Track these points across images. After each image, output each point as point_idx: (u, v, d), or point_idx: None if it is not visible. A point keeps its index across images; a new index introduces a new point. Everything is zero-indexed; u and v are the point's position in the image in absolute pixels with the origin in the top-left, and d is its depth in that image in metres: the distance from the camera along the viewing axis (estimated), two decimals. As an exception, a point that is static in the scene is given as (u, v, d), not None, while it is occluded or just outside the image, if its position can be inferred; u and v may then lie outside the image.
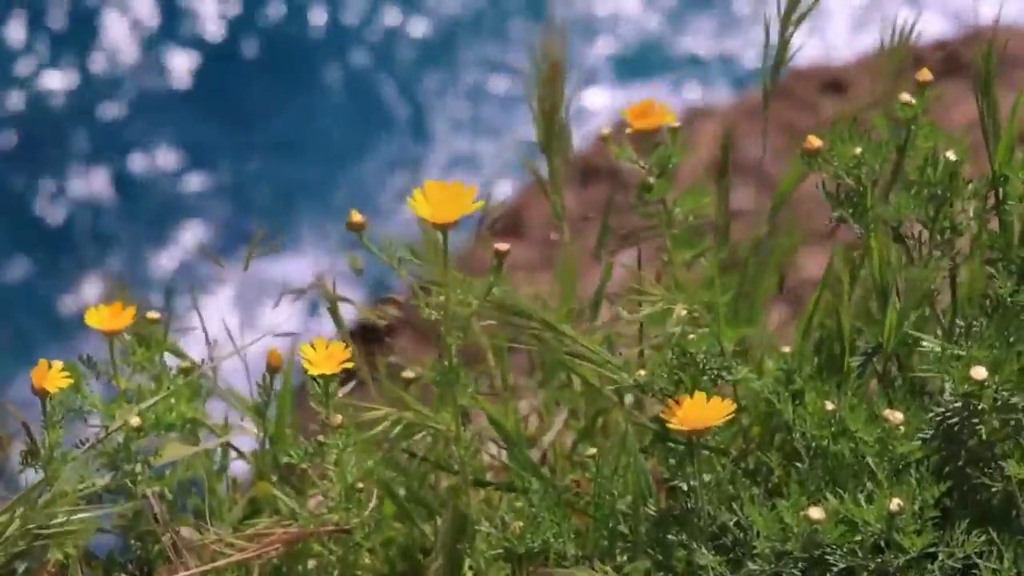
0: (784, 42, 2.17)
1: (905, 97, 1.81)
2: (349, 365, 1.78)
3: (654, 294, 1.83)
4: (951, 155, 1.77)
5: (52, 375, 1.80)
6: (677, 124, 1.94)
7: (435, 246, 1.69)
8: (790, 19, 2.15)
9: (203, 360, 2.07)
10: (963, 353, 1.67)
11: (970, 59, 5.53)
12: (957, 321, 1.81)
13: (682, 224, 1.98)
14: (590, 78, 7.58)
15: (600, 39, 7.95)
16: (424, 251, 1.74)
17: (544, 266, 4.71)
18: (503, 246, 1.74)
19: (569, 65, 2.25)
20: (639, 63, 7.85)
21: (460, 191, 1.69)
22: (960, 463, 1.72)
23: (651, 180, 1.92)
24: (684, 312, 1.79)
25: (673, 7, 8.04)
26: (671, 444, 1.78)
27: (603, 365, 1.82)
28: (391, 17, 8.15)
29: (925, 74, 1.83)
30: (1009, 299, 1.74)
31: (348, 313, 2.22)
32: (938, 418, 1.69)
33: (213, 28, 8.10)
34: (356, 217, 1.77)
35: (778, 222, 2.29)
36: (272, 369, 1.99)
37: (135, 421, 1.88)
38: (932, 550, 1.64)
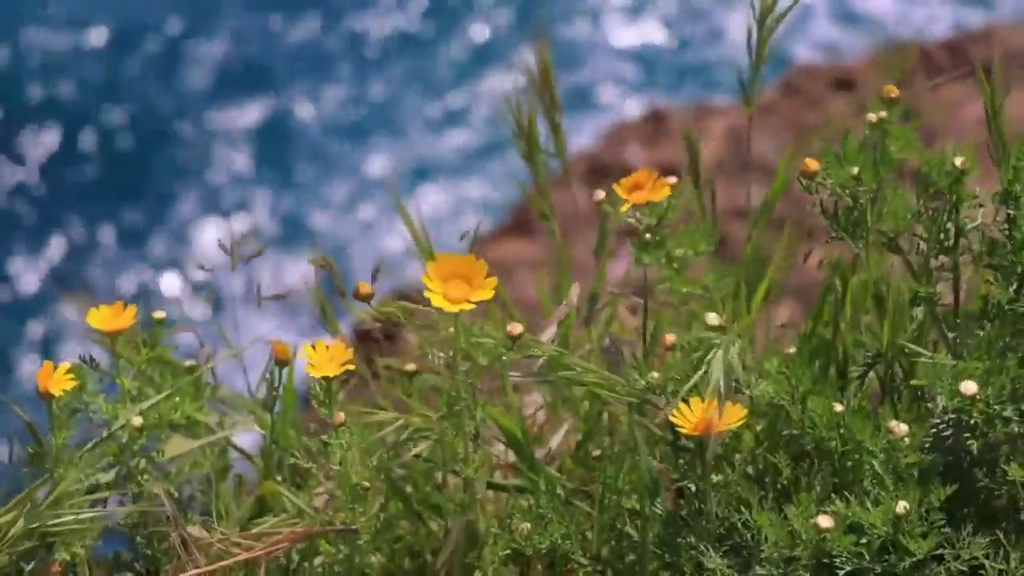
0: (762, 42, 2.18)
1: (873, 116, 1.79)
2: (351, 367, 1.78)
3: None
4: (958, 162, 1.76)
5: (57, 377, 1.80)
6: (672, 186, 1.86)
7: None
8: (766, 20, 2.17)
9: (204, 359, 2.07)
10: (955, 363, 1.66)
11: (981, 59, 5.53)
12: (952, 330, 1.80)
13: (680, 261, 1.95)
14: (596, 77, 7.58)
15: (610, 38, 7.95)
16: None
17: (552, 264, 4.70)
18: (516, 328, 1.74)
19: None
20: (647, 61, 7.85)
21: (472, 264, 1.68)
22: (964, 466, 1.72)
23: (647, 236, 1.90)
24: (715, 320, 1.78)
25: (685, 4, 8.04)
26: (681, 445, 1.78)
27: (610, 386, 1.81)
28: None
29: (891, 90, 1.81)
30: (1008, 307, 1.74)
31: (347, 316, 2.23)
32: (934, 430, 1.69)
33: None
34: (365, 288, 1.78)
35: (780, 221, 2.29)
36: (280, 363, 1.99)
37: (137, 421, 1.88)
38: (938, 552, 1.64)
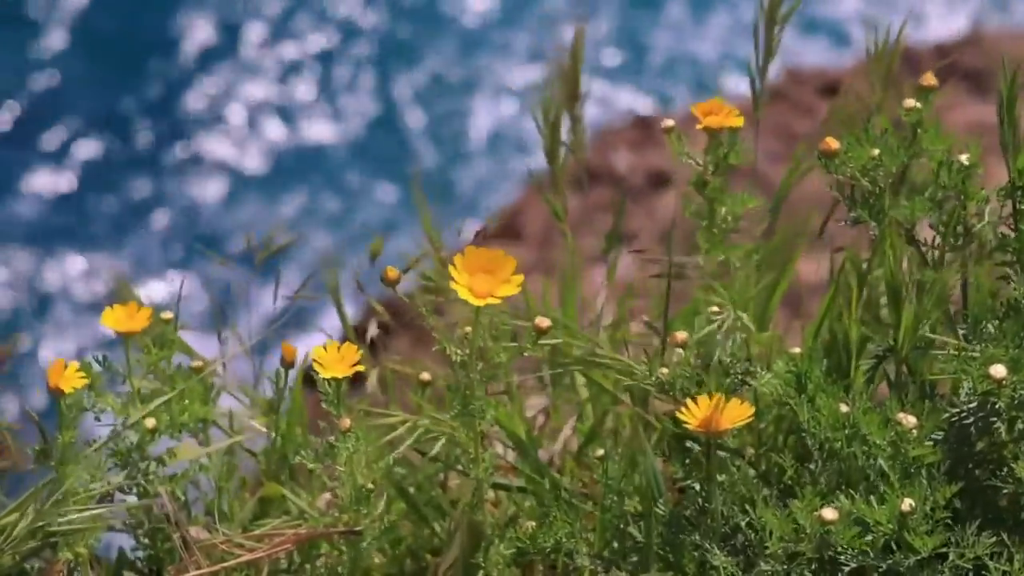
0: (768, 44, 2.19)
1: (910, 102, 1.81)
2: (360, 368, 1.78)
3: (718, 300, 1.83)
4: (964, 159, 1.77)
5: (68, 375, 1.79)
6: (740, 122, 1.88)
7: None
8: (774, 21, 2.17)
9: (213, 359, 2.07)
10: (978, 354, 1.67)
11: (970, 63, 5.55)
12: (967, 324, 1.82)
13: (724, 224, 1.95)
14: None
15: (596, 43, 7.96)
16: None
17: (542, 268, 4.71)
18: (544, 322, 1.74)
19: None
20: (636, 64, 7.86)
21: (500, 258, 1.67)
22: (971, 465, 1.73)
23: (707, 178, 1.89)
24: (719, 313, 1.78)
25: (674, 10, 8.05)
26: (686, 445, 1.78)
27: (625, 370, 1.82)
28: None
29: (929, 78, 1.83)
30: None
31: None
32: (953, 419, 1.70)
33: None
34: (392, 273, 1.77)
35: (777, 225, 2.30)
36: (286, 364, 1.99)
37: (150, 423, 1.88)
38: (943, 551, 1.65)
